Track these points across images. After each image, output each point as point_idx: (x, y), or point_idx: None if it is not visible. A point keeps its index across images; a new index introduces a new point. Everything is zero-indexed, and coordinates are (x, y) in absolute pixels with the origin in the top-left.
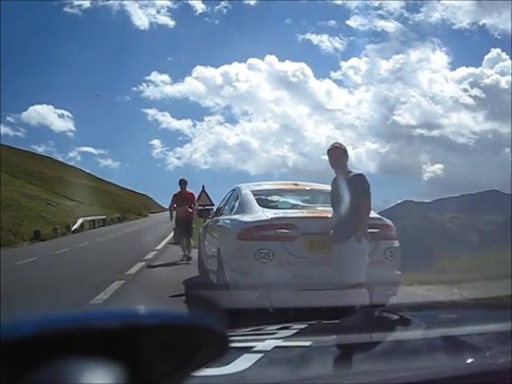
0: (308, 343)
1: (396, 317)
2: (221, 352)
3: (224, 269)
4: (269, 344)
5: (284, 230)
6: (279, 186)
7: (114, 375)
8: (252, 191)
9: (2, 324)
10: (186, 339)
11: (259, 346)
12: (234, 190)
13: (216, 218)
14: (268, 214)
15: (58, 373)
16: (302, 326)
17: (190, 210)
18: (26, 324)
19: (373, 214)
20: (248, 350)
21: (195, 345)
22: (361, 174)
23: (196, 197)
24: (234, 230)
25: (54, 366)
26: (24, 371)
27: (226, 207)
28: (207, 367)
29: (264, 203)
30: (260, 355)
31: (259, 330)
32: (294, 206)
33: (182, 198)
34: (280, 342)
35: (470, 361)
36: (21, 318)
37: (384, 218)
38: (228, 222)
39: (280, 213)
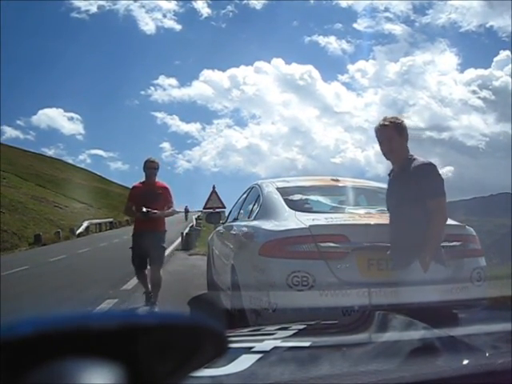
0: (307, 343)
1: (395, 317)
2: (220, 352)
3: (241, 297)
4: (268, 344)
5: (330, 244)
6: (314, 183)
7: (114, 375)
8: (278, 189)
9: (1, 324)
10: (184, 339)
11: (258, 346)
12: (252, 187)
13: (229, 223)
14: (304, 219)
15: (57, 373)
16: (301, 327)
17: (158, 212)
18: (25, 324)
19: (450, 221)
20: (247, 350)
21: (194, 345)
22: (429, 164)
23: (171, 193)
24: (254, 242)
25: (54, 366)
26: (24, 371)
27: (242, 210)
28: (206, 367)
29: (296, 205)
30: (259, 355)
31: (258, 330)
32: (338, 210)
33: (147, 195)
34: (279, 343)
35: (469, 361)
36: (20, 318)
37: (467, 226)
38: (246, 230)
39: (321, 218)
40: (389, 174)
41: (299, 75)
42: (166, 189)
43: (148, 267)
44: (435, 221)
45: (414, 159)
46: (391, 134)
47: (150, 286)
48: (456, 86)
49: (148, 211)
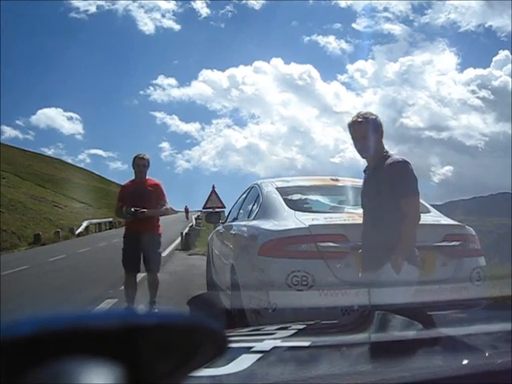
0: (307, 343)
1: (395, 317)
2: (220, 352)
3: (241, 297)
4: (267, 344)
5: (329, 243)
6: (313, 182)
7: (114, 375)
8: (278, 189)
9: (1, 324)
10: (184, 339)
11: (258, 346)
12: (252, 187)
13: (229, 223)
14: (303, 219)
15: (57, 373)
16: (301, 327)
17: (147, 211)
18: (25, 324)
19: (450, 221)
20: (247, 350)
21: (194, 345)
22: (403, 161)
23: (164, 190)
24: (254, 241)
25: (54, 366)
26: (24, 371)
27: (242, 210)
28: (206, 367)
29: (295, 205)
30: (259, 355)
31: (258, 330)
32: (337, 209)
33: (137, 194)
34: (279, 343)
35: (468, 361)
36: (20, 318)
37: (467, 226)
38: (245, 230)
39: (321, 218)
40: (364, 171)
41: (298, 75)
42: (157, 186)
43: (140, 274)
44: (408, 221)
45: (389, 156)
46: (366, 131)
47: (149, 291)
48: (455, 86)
49: (136, 210)
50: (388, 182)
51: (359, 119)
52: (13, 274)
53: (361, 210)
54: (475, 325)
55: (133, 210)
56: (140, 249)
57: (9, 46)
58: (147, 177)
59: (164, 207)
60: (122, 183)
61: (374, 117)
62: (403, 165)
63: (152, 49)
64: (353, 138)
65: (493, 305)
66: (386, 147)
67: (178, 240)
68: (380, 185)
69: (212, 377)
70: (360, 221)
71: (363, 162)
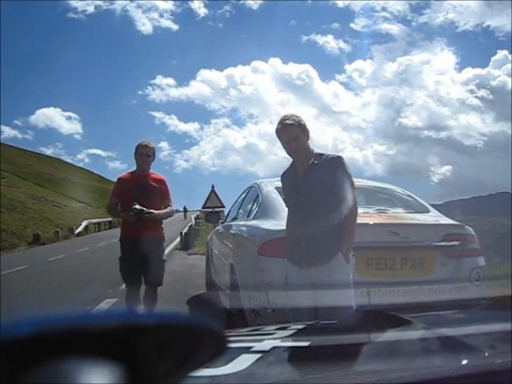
0: (306, 343)
1: (394, 317)
2: (219, 352)
3: (240, 297)
4: (267, 344)
5: None
6: None
7: (113, 375)
8: (277, 188)
9: (1, 324)
10: (184, 339)
11: (257, 346)
12: (251, 187)
13: (229, 223)
14: None
15: (56, 373)
16: (300, 326)
17: (154, 212)
18: (24, 324)
19: (449, 221)
20: (246, 350)
21: (193, 345)
22: (338, 157)
23: (169, 187)
24: (253, 241)
25: (53, 366)
26: (23, 371)
27: (241, 210)
28: (205, 367)
29: None
30: (258, 355)
31: (257, 330)
32: None
33: (138, 189)
34: (278, 343)
35: (468, 361)
36: (20, 318)
37: (466, 226)
38: (245, 229)
39: None
40: (287, 173)
41: (297, 75)
42: (162, 182)
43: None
44: (349, 213)
45: (321, 154)
46: (296, 133)
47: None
48: (454, 86)
49: (142, 210)
50: (326, 177)
51: (289, 122)
52: (12, 274)
53: (359, 210)
54: (475, 325)
55: (138, 207)
56: (141, 256)
57: (7, 45)
58: (151, 170)
59: (169, 208)
60: None
61: (299, 119)
62: (339, 160)
63: (150, 49)
64: (284, 141)
65: (492, 305)
66: (385, 147)
67: (178, 239)
68: (318, 181)
69: (211, 377)
70: (359, 220)
71: (362, 162)
